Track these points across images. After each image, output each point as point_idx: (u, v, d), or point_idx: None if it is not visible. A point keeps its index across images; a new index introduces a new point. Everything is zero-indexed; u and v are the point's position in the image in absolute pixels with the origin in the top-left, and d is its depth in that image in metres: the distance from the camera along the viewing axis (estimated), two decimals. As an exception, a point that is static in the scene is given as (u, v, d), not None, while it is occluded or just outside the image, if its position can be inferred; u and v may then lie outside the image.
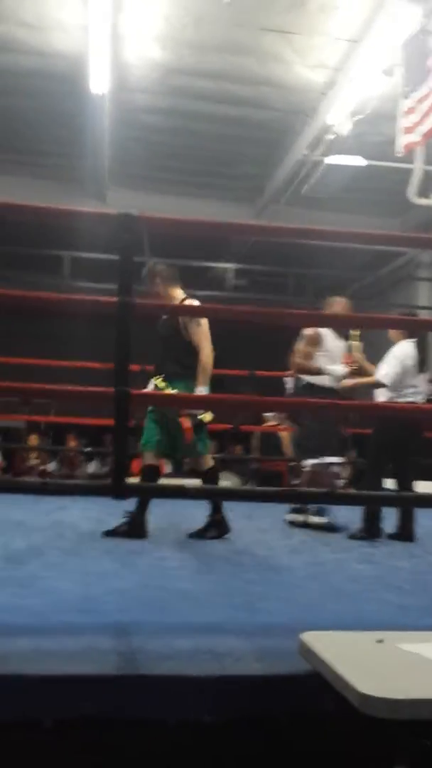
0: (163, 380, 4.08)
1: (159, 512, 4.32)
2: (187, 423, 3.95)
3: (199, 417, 4.01)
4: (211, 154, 8.54)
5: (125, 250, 2.29)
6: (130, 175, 9.07)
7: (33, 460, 8.40)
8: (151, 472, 4.16)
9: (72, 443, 9.12)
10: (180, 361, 4.07)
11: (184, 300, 4.20)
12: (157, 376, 4.14)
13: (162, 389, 4.06)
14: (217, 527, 4.16)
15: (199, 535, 4.16)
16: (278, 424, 7.42)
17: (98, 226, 3.84)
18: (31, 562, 3.24)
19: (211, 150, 8.45)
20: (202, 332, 4.09)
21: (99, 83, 6.66)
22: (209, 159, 8.69)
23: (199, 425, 4.03)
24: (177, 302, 4.14)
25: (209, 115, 7.64)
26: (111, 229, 2.35)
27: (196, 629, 2.31)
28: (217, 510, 4.19)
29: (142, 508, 4.05)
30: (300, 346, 4.93)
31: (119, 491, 2.34)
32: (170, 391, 4.03)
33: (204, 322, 4.11)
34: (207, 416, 4.05)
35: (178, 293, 4.21)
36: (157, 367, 4.24)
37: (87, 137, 7.79)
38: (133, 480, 3.46)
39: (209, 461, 4.25)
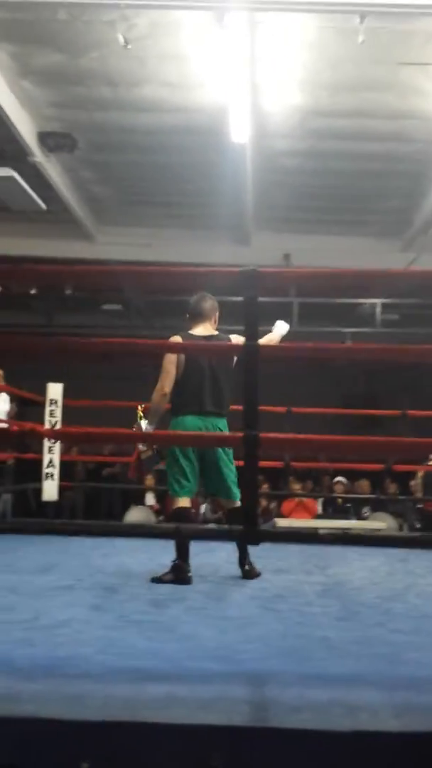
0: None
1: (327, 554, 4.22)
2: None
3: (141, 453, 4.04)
4: (354, 191, 8.50)
5: (250, 299, 2.32)
6: (273, 218, 9.20)
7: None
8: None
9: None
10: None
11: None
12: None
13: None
14: (175, 572, 3.91)
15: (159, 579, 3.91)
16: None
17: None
18: (173, 606, 3.27)
19: (353, 187, 8.42)
20: (162, 366, 4.03)
21: (240, 133, 6.84)
22: (352, 196, 8.65)
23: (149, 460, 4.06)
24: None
25: (350, 153, 7.63)
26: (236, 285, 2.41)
27: (334, 680, 2.23)
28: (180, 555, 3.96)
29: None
30: None
31: (252, 537, 2.32)
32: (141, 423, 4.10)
33: (168, 356, 3.99)
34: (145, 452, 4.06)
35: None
36: None
37: (229, 185, 7.99)
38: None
39: (177, 502, 4.06)
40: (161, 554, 4.85)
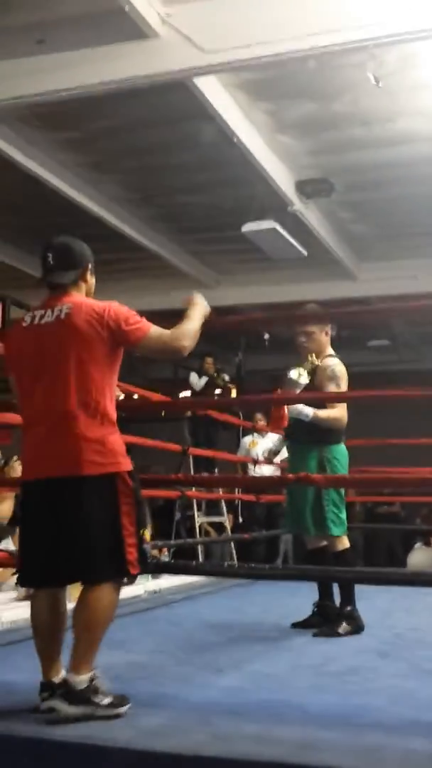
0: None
1: None
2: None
3: None
4: None
5: None
6: None
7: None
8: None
9: None
10: (314, 429, 3.63)
11: (329, 356, 3.80)
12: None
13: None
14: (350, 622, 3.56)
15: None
16: None
17: None
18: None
19: None
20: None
21: None
22: None
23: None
24: (327, 357, 3.79)
25: None
26: None
27: None
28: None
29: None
30: None
31: None
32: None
33: (344, 383, 3.69)
34: None
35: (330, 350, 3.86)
36: (288, 434, 3.87)
37: None
38: None
39: (342, 542, 3.66)
40: None
